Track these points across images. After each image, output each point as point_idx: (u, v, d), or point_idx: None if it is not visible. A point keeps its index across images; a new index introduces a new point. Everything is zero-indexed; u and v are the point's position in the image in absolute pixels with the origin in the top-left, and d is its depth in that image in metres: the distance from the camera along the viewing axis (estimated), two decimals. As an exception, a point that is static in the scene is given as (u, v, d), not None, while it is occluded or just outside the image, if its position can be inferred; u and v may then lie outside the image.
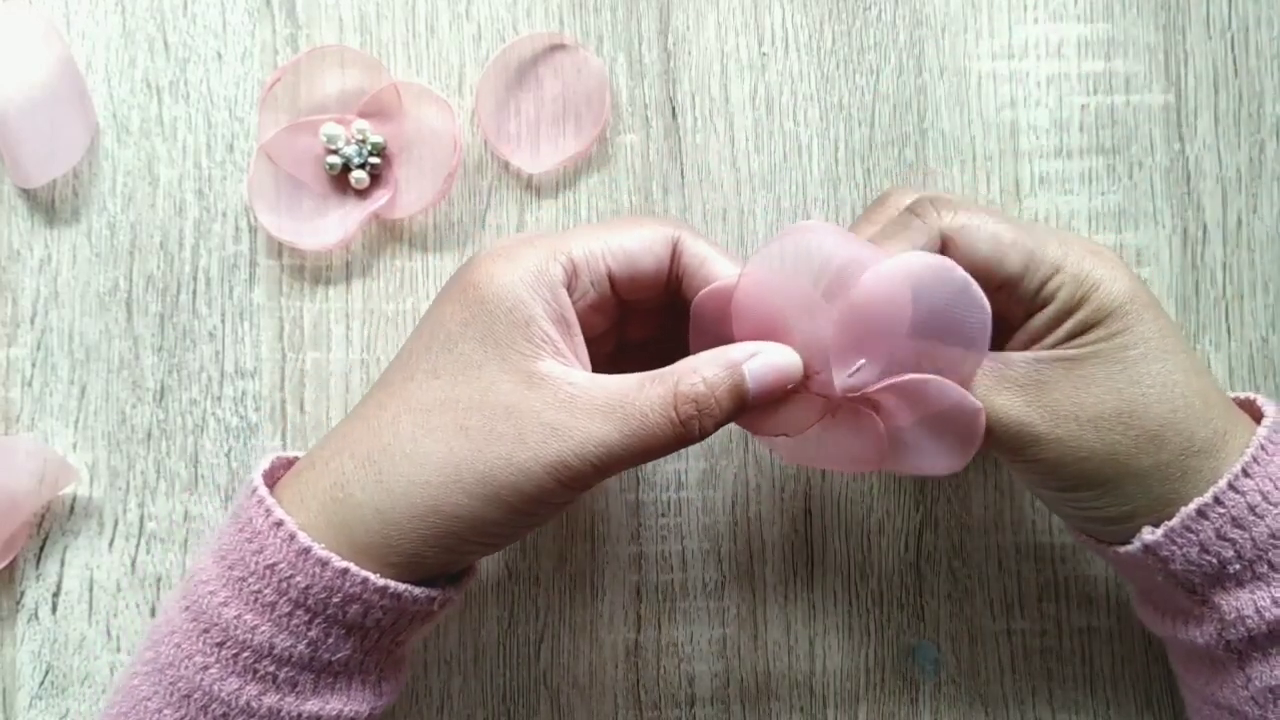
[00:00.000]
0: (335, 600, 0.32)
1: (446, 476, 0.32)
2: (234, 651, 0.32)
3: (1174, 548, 0.34)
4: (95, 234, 0.43)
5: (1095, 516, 0.36)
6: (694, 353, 0.34)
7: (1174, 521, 0.34)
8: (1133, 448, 0.34)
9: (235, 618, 0.32)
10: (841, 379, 0.34)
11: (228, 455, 0.43)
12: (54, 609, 0.43)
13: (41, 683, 0.42)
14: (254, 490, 0.33)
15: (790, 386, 0.34)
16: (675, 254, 0.35)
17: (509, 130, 0.44)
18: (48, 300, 0.43)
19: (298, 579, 0.32)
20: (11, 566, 0.42)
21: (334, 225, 0.43)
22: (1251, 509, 0.33)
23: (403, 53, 0.44)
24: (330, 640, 0.32)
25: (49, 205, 0.43)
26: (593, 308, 0.35)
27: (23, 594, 0.43)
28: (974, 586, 0.44)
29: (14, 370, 0.43)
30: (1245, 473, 0.33)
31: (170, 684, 0.32)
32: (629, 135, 0.45)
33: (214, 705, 0.32)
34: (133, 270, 0.43)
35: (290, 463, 0.36)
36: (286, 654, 0.32)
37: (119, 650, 0.43)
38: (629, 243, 0.34)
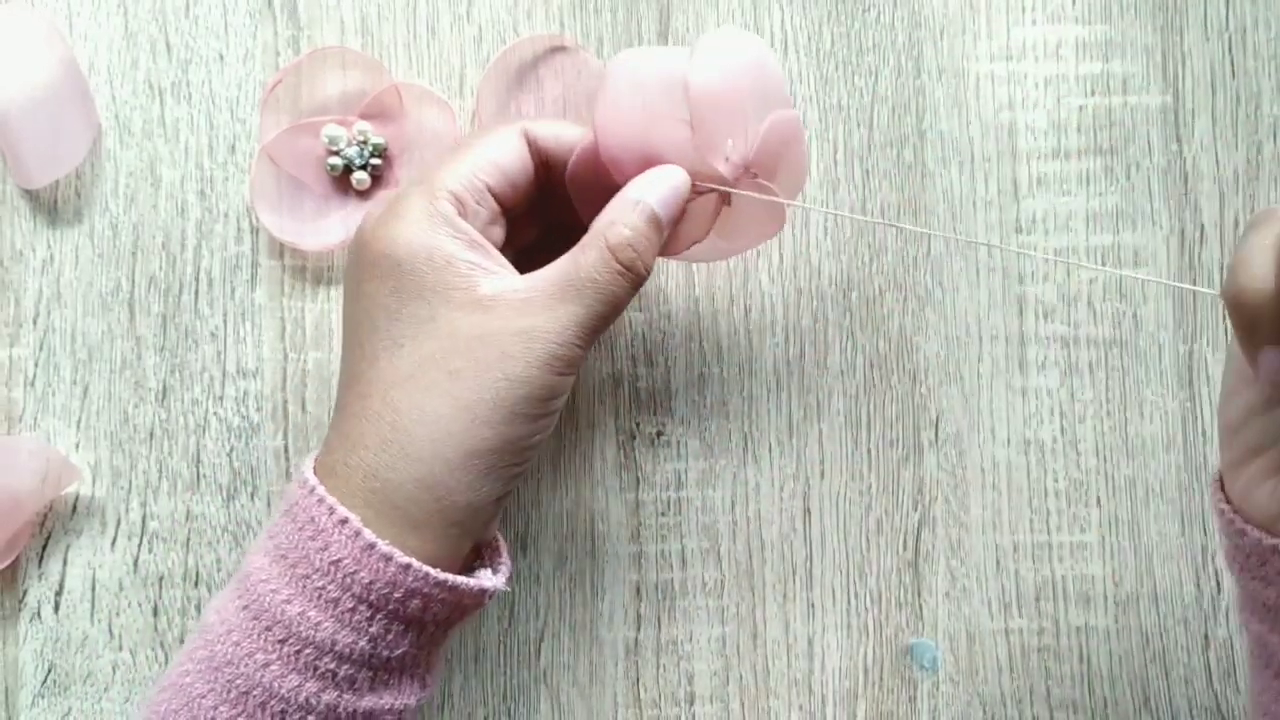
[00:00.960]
0: (397, 595, 0.32)
1: (463, 420, 0.33)
2: (296, 648, 0.32)
3: None
4: (98, 234, 0.43)
5: None
6: (588, 218, 0.36)
7: None
8: None
9: (299, 614, 0.32)
10: (725, 166, 0.36)
11: (229, 455, 0.43)
12: (56, 608, 0.43)
13: (44, 681, 0.42)
14: (312, 489, 0.33)
15: (688, 198, 0.36)
16: (530, 143, 0.36)
17: (509, 131, 0.44)
18: (50, 300, 0.43)
19: (362, 574, 0.32)
20: (14, 565, 0.42)
21: (335, 226, 0.43)
22: None
23: (404, 54, 0.44)
24: (390, 636, 0.33)
25: (52, 206, 0.43)
26: (488, 224, 0.36)
27: (25, 593, 0.43)
28: (972, 585, 0.45)
29: (17, 370, 0.43)
30: None
31: (228, 681, 0.32)
32: (629, 136, 0.45)
33: (273, 702, 0.32)
34: (135, 271, 0.43)
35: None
36: (348, 650, 0.32)
37: (121, 649, 0.43)
38: (492, 153, 0.36)
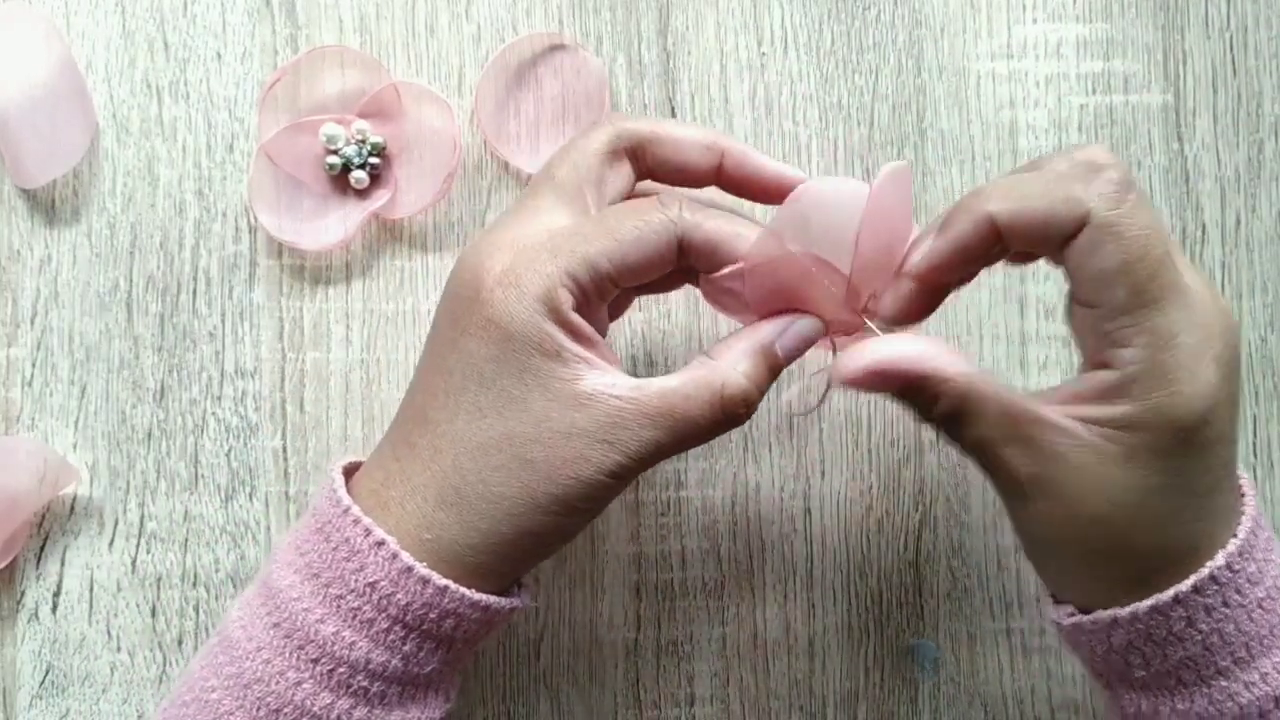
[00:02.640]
0: (432, 616, 0.33)
1: (524, 506, 0.33)
2: (329, 667, 0.32)
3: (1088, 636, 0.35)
4: (95, 234, 0.43)
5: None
6: (715, 307, 0.36)
7: (1099, 615, 0.34)
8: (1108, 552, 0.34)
9: (333, 634, 0.32)
10: (861, 315, 0.36)
11: (228, 455, 0.43)
12: (54, 609, 0.43)
13: (42, 682, 0.42)
14: (347, 510, 0.33)
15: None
16: (683, 247, 0.34)
17: (509, 130, 0.44)
18: (48, 300, 0.43)
19: (398, 596, 0.32)
20: (12, 566, 0.42)
21: (334, 225, 0.43)
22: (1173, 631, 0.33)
23: (402, 53, 0.44)
24: (422, 654, 0.33)
25: (49, 205, 0.43)
26: (614, 306, 0.36)
27: (23, 594, 0.43)
28: (973, 586, 0.44)
29: (14, 370, 0.43)
30: (1171, 606, 0.33)
31: (257, 699, 0.33)
32: (628, 135, 0.45)
33: (304, 718, 0.32)
34: (133, 270, 0.43)
35: (350, 468, 0.36)
36: (380, 668, 0.33)
37: (119, 650, 0.43)
38: (629, 251, 0.33)
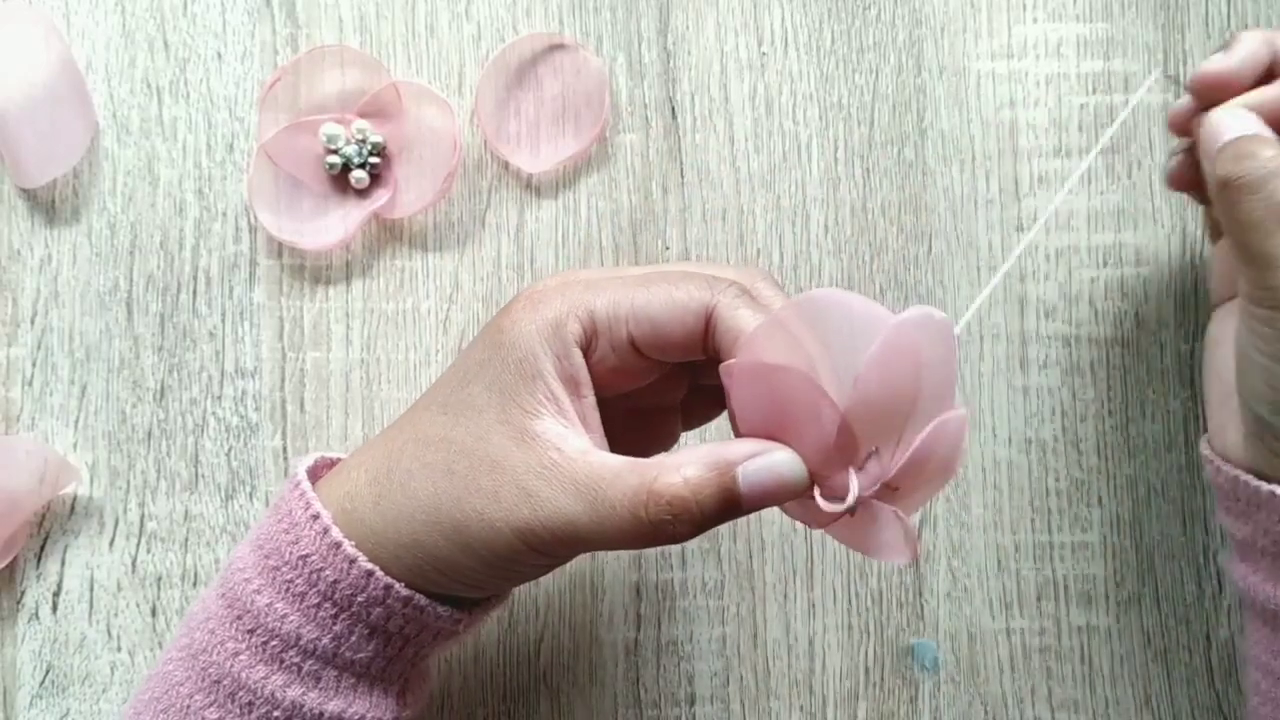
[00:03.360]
0: (360, 599, 0.32)
1: (429, 516, 0.32)
2: (263, 639, 0.32)
3: None
4: (95, 234, 0.43)
5: None
6: (739, 423, 0.31)
7: None
8: None
9: (267, 605, 0.32)
10: (858, 480, 0.29)
11: (228, 455, 0.43)
12: (54, 608, 0.43)
13: (42, 682, 0.42)
14: (297, 483, 0.34)
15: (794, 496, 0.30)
16: (709, 326, 0.31)
17: (509, 130, 0.44)
18: (48, 300, 0.43)
19: (327, 572, 0.32)
20: (12, 566, 0.42)
21: (334, 225, 0.43)
22: None
23: (402, 52, 0.44)
24: (353, 638, 0.33)
25: (49, 205, 0.43)
26: (619, 370, 0.32)
27: (23, 593, 0.43)
28: (973, 585, 0.44)
29: (14, 370, 0.43)
30: None
31: (202, 669, 0.33)
32: (628, 135, 0.45)
33: (241, 692, 0.32)
34: (133, 270, 0.43)
35: (330, 463, 0.36)
36: (311, 645, 0.32)
37: (119, 649, 0.43)
38: (656, 309, 0.31)
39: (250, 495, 0.43)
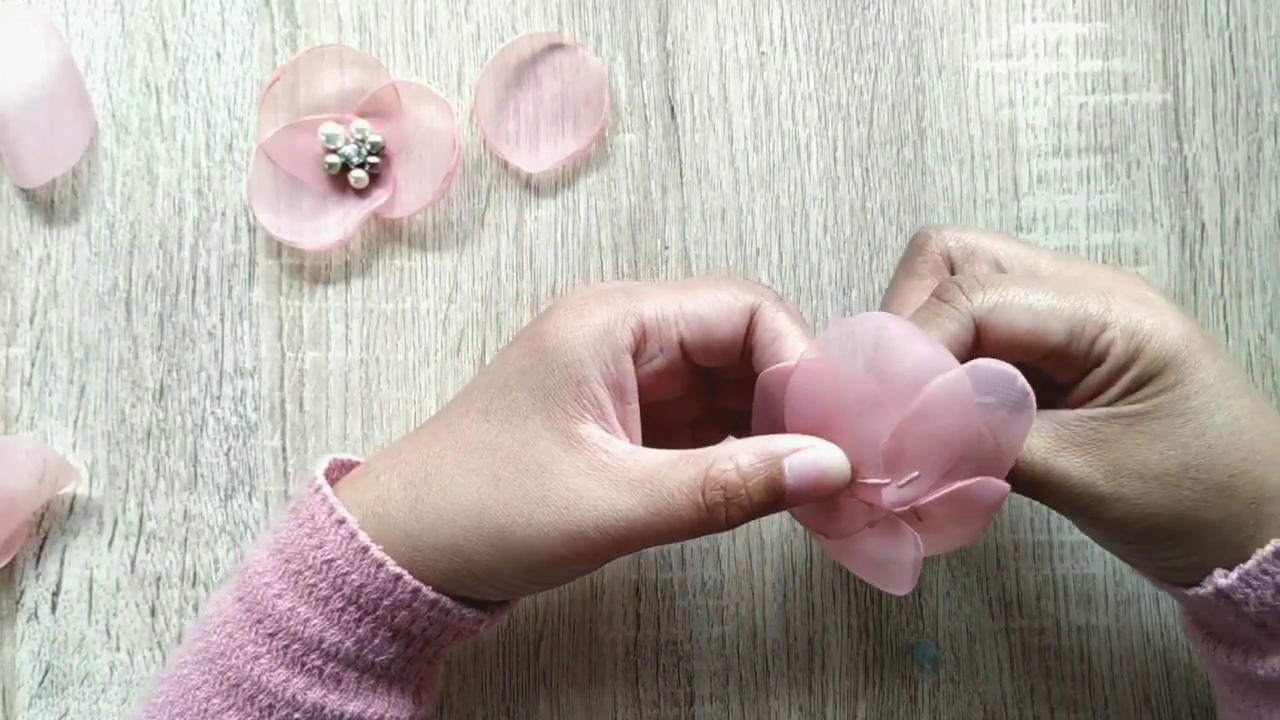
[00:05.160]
0: (385, 603, 0.32)
1: (470, 521, 0.32)
2: (285, 643, 0.32)
3: (1248, 590, 0.32)
4: (94, 233, 0.43)
5: (1166, 566, 0.34)
6: (756, 432, 0.33)
7: (1249, 565, 0.32)
8: (1201, 501, 0.32)
9: (289, 609, 0.32)
10: (892, 492, 0.31)
11: (227, 454, 0.43)
12: (54, 608, 0.43)
13: (41, 682, 0.42)
14: (318, 488, 0.34)
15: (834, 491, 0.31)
16: (751, 325, 0.33)
17: (508, 130, 0.44)
18: (47, 300, 0.43)
19: (353, 576, 0.32)
20: (11, 566, 0.42)
21: (333, 224, 0.43)
22: None
23: (402, 52, 0.44)
24: (376, 640, 0.33)
25: (48, 205, 0.43)
26: (662, 374, 0.34)
27: (22, 593, 0.43)
28: (972, 585, 0.44)
29: (13, 370, 0.43)
30: None
31: (220, 673, 0.33)
32: (628, 135, 0.45)
33: (261, 695, 0.32)
34: (132, 269, 0.43)
35: (345, 465, 0.37)
36: (334, 649, 0.33)
37: (118, 649, 0.43)
38: (705, 309, 0.33)
39: (249, 495, 0.43)
